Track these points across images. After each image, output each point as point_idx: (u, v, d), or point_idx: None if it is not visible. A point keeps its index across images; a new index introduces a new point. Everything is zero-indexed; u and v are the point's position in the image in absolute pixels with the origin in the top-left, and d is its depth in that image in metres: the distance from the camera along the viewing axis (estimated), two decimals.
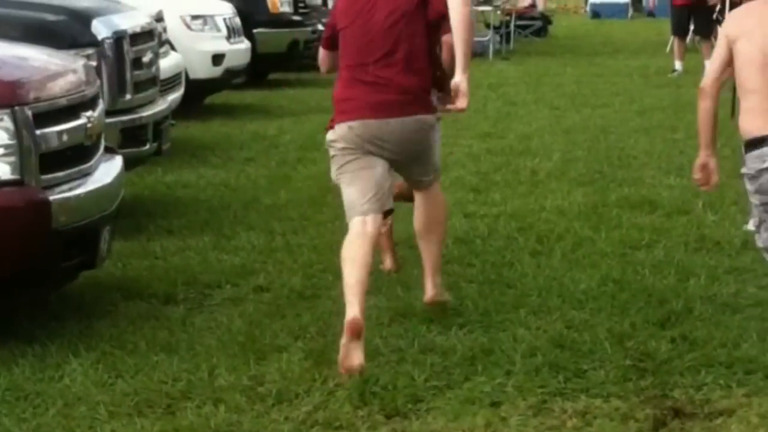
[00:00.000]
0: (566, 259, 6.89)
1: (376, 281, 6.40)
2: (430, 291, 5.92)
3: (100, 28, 7.65)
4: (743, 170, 5.19)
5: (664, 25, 20.45)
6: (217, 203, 8.46)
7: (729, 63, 5.24)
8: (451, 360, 5.20)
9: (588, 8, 33.40)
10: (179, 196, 8.79)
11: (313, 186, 9.07)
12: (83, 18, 7.72)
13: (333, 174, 5.66)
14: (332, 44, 5.72)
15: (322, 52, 5.90)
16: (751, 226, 7.52)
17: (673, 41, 18.12)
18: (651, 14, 25.39)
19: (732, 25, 5.32)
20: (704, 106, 5.28)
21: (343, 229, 7.52)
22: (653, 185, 8.98)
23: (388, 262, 6.69)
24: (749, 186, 5.20)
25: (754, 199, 5.20)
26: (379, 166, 5.51)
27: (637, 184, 9.04)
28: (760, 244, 5.27)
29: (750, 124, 5.11)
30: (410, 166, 5.70)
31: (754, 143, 5.10)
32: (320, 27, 17.22)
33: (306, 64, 17.53)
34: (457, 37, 5.56)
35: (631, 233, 7.47)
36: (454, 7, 5.55)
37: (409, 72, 5.49)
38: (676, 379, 5.04)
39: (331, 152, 5.61)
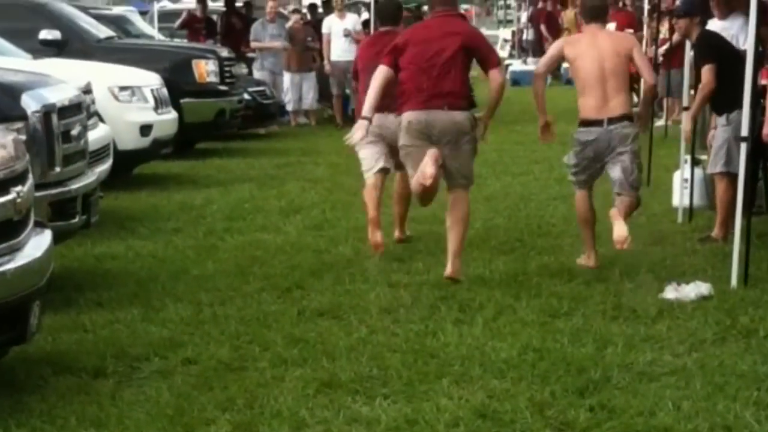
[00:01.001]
0: (488, 328, 7.02)
1: (301, 352, 6.54)
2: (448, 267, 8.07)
3: (29, 102, 7.60)
4: (575, 136, 8.41)
5: None
6: (145, 275, 8.52)
7: (555, 64, 8.82)
8: (375, 431, 5.30)
9: (508, 76, 33.83)
10: (108, 268, 8.83)
11: (240, 256, 9.19)
12: (12, 92, 7.68)
13: None
14: None
15: None
16: (666, 294, 7.77)
17: None
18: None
19: (569, 48, 8.43)
20: (538, 87, 8.60)
21: (269, 300, 7.68)
22: (572, 253, 9.14)
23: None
24: (576, 148, 8.41)
25: (578, 157, 8.41)
26: None
27: (556, 252, 9.22)
28: (571, 178, 8.69)
29: (585, 112, 8.33)
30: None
31: (585, 123, 8.35)
32: (246, 96, 17.35)
33: (232, 133, 17.65)
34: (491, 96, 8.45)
35: (551, 301, 7.63)
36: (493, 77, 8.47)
37: None
38: None
39: None
